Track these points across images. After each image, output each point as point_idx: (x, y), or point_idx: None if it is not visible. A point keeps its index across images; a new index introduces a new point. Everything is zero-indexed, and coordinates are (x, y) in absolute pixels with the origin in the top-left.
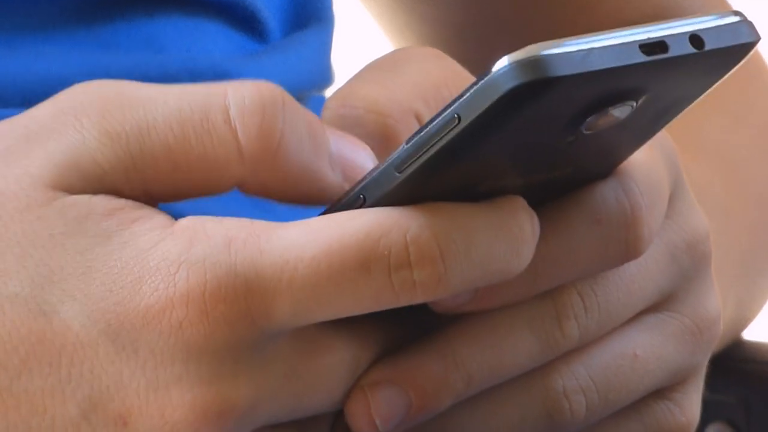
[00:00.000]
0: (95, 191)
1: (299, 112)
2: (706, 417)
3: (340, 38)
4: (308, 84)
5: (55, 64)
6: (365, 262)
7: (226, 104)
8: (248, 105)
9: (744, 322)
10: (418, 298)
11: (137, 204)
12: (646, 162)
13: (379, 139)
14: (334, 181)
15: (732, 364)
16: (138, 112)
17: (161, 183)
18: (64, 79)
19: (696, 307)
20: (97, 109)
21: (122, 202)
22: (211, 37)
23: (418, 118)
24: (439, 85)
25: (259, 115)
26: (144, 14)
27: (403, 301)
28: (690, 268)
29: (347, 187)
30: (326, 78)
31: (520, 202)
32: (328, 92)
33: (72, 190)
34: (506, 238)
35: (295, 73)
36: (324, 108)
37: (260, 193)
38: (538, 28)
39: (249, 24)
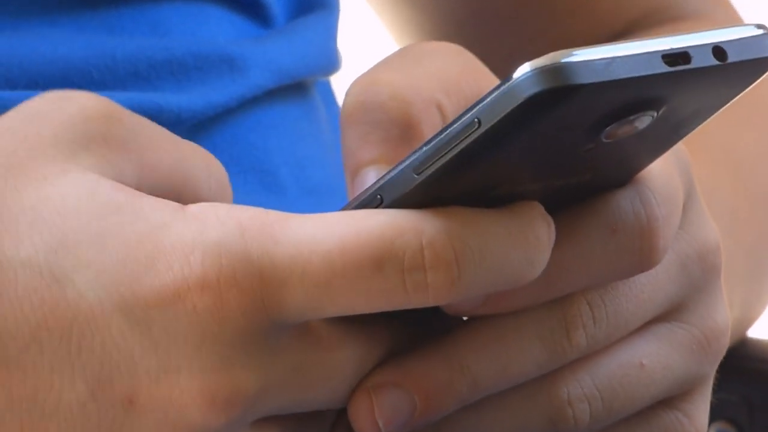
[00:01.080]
0: (103, 173)
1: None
2: (709, 416)
3: (344, 28)
4: (314, 68)
5: (61, 47)
6: (379, 260)
7: None
8: None
9: (749, 322)
10: (429, 301)
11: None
12: (663, 172)
13: (401, 126)
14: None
15: (734, 362)
16: (131, 113)
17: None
18: (70, 61)
19: (705, 317)
20: (95, 97)
21: (125, 185)
22: (216, 21)
23: (439, 109)
24: (459, 80)
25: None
26: (149, 1)
27: (415, 302)
28: (700, 279)
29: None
30: (332, 63)
31: (538, 210)
32: (335, 78)
33: (83, 167)
34: (522, 246)
35: (300, 57)
36: (347, 93)
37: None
38: (539, 24)
39: (253, 8)
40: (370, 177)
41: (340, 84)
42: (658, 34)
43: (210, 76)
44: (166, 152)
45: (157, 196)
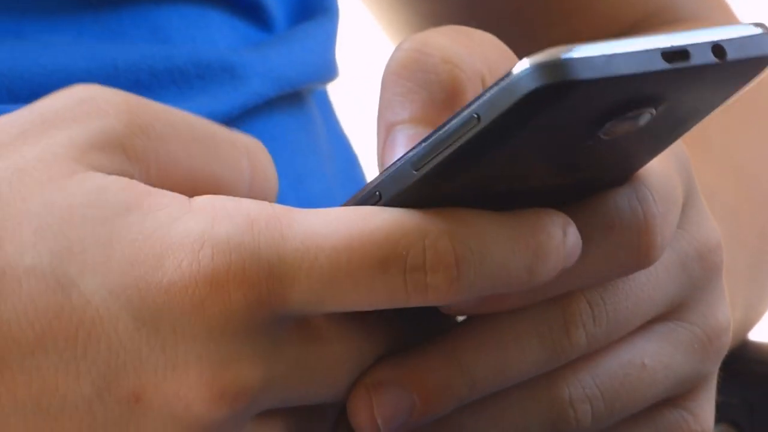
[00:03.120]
0: (110, 169)
1: (177, 118)
2: None
3: (342, 34)
4: (312, 76)
5: (62, 56)
6: (384, 260)
7: None
8: None
9: (751, 323)
10: (428, 301)
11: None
12: (661, 170)
13: (447, 90)
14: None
15: (736, 365)
16: (164, 113)
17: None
18: (71, 72)
19: (706, 316)
20: (121, 100)
21: (134, 181)
22: (216, 26)
23: (483, 83)
24: (499, 63)
25: None
26: (150, 3)
27: (414, 302)
28: (701, 278)
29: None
30: (331, 71)
31: (548, 218)
32: (332, 86)
33: (91, 167)
34: (523, 253)
35: (300, 64)
36: (396, 49)
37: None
38: (538, 26)
39: (254, 13)
40: (403, 136)
41: (338, 92)
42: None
43: (211, 85)
44: (190, 157)
45: None
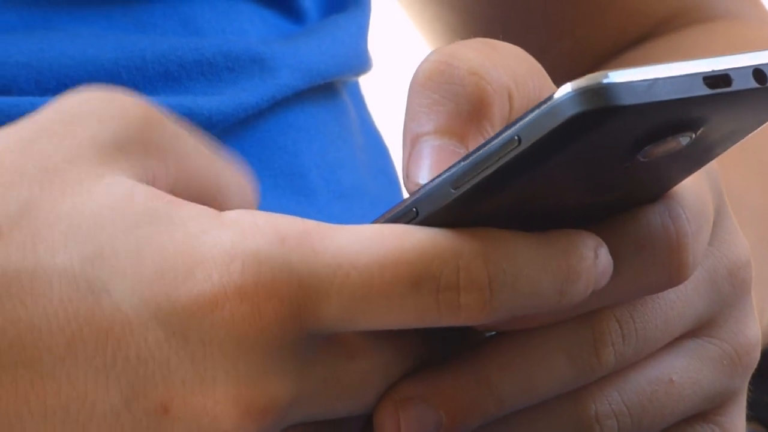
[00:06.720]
0: (138, 177)
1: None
2: None
3: (374, 29)
4: (344, 69)
5: (90, 48)
6: (417, 279)
7: None
8: None
9: None
10: (460, 321)
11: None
12: (694, 188)
13: (474, 102)
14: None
15: (764, 364)
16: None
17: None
18: (99, 63)
19: (735, 332)
20: (137, 101)
21: (161, 192)
22: (247, 17)
23: (510, 97)
24: (527, 77)
25: None
26: None
27: (445, 321)
28: (730, 295)
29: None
30: (363, 63)
31: (580, 239)
32: (364, 80)
33: (118, 171)
34: (555, 275)
35: (330, 56)
36: (424, 60)
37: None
38: (568, 22)
39: (285, 5)
40: (428, 148)
41: (369, 86)
42: (689, 37)
43: (240, 77)
44: (202, 163)
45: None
